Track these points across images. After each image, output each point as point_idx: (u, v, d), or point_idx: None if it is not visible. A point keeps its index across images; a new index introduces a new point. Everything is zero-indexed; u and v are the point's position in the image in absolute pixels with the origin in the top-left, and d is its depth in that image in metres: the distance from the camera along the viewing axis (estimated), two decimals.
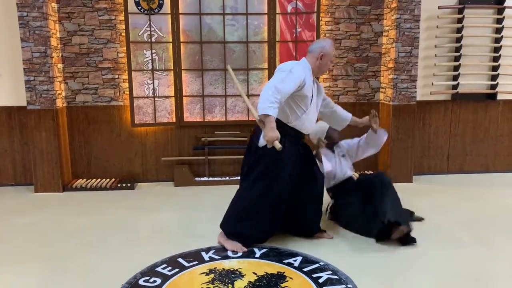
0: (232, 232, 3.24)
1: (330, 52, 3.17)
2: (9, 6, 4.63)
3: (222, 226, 3.33)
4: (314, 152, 3.62)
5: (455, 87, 5.13)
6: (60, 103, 4.77)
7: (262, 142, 3.04)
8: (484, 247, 3.26)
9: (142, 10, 4.78)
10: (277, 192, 3.15)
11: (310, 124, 3.25)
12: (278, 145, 2.82)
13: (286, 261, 3.02)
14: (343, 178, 3.78)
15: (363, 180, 3.78)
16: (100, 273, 2.90)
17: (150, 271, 2.89)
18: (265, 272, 2.85)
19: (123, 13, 4.76)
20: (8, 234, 3.61)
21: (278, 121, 2.96)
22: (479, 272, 2.89)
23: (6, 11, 4.67)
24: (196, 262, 3.00)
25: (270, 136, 2.81)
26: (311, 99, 3.16)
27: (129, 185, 4.86)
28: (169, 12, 4.82)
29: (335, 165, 3.75)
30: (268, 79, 5.01)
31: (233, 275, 2.82)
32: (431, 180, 5.11)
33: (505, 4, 5.03)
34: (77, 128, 4.98)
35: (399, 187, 4.75)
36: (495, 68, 5.16)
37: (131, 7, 4.75)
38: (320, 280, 2.76)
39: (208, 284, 2.70)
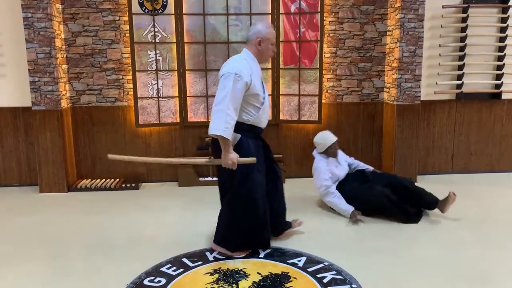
0: (239, 248, 3.15)
1: (268, 36, 2.99)
2: (14, 7, 4.65)
3: (224, 245, 3.16)
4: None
5: (459, 86, 5.12)
6: (64, 103, 4.79)
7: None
8: (490, 247, 3.25)
9: (146, 10, 4.79)
10: (260, 192, 3.07)
11: (266, 116, 3.16)
12: (249, 160, 2.88)
13: (290, 261, 3.02)
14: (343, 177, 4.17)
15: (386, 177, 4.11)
16: (105, 273, 2.91)
17: (155, 271, 2.90)
18: (269, 272, 2.86)
19: (127, 13, 4.77)
20: (13, 234, 3.63)
21: (236, 123, 2.89)
22: (485, 272, 2.88)
23: (11, 12, 4.69)
24: (200, 262, 3.01)
25: (230, 159, 2.84)
26: (263, 92, 3.08)
27: (133, 185, 4.87)
28: (173, 12, 4.83)
29: (337, 169, 4.14)
30: (272, 79, 5.02)
31: (238, 275, 2.83)
32: (435, 180, 5.09)
33: (510, 3, 5.01)
34: (82, 128, 5.00)
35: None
36: (499, 68, 5.14)
37: (135, 7, 4.76)
38: (325, 280, 2.76)
39: (212, 284, 2.71)
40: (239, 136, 2.99)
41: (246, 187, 3.00)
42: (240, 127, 2.97)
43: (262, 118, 3.11)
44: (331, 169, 4.06)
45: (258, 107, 3.05)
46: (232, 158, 2.84)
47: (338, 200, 3.91)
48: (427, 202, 3.85)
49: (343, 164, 4.22)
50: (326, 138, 4.11)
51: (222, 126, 2.78)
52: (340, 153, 4.27)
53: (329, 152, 4.11)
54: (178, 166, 5.01)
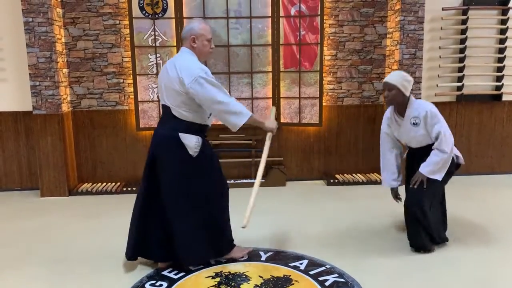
0: (227, 247, 3.06)
1: (202, 32, 2.82)
2: (14, 12, 4.67)
3: (199, 257, 2.96)
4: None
5: (460, 88, 5.12)
6: (65, 107, 4.80)
7: (194, 150, 2.81)
8: (491, 249, 3.25)
9: (147, 14, 4.80)
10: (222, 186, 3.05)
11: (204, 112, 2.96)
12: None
13: (292, 264, 3.02)
14: (410, 145, 3.33)
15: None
16: (107, 277, 2.91)
17: (157, 275, 2.89)
18: (271, 276, 2.85)
19: (128, 17, 4.78)
20: (15, 238, 3.63)
21: (194, 124, 2.81)
22: (486, 275, 2.87)
23: (12, 17, 4.71)
24: (202, 266, 3.00)
25: (273, 122, 3.06)
26: None
27: (134, 189, 4.86)
28: (173, 16, 4.84)
29: (399, 131, 3.28)
30: (273, 82, 5.03)
31: (239, 278, 2.82)
32: None
33: (510, 5, 5.02)
34: (83, 132, 5.01)
35: (404, 189, 4.76)
36: (500, 69, 5.14)
37: (136, 11, 4.77)
38: (327, 283, 2.75)
39: None
40: (200, 139, 2.85)
41: (203, 184, 2.92)
42: (199, 128, 2.85)
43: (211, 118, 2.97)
44: None
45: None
46: (273, 121, 3.06)
47: None
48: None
49: (414, 131, 3.23)
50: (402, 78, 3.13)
51: (243, 110, 2.81)
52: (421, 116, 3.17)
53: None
54: None
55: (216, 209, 2.97)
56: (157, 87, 4.92)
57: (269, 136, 3.14)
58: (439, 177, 3.10)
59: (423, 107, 3.10)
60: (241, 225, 2.87)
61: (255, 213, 4.14)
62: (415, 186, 3.13)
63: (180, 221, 2.83)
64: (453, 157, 3.17)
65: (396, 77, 3.11)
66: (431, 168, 3.08)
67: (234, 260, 3.09)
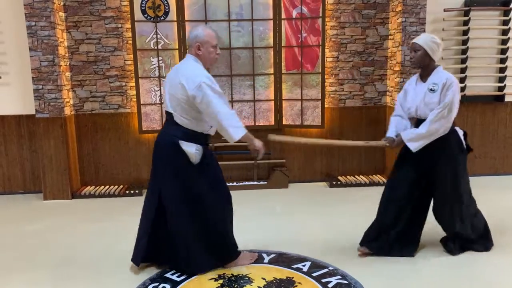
0: (234, 252, 3.05)
1: (207, 38, 2.79)
2: (17, 16, 4.69)
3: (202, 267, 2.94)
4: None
5: (462, 89, 5.11)
6: (68, 111, 4.82)
7: (195, 158, 2.82)
8: (495, 251, 3.23)
9: (149, 18, 4.82)
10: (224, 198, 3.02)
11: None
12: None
13: (295, 266, 3.01)
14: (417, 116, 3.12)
15: None
16: (110, 280, 2.91)
17: (159, 277, 2.90)
18: (274, 278, 2.85)
19: (130, 21, 4.80)
20: (18, 241, 3.64)
21: (195, 133, 2.82)
22: (490, 277, 2.86)
23: (14, 21, 4.73)
24: None
25: (259, 146, 2.82)
26: None
27: (137, 191, 4.88)
28: (175, 19, 4.85)
29: (411, 95, 3.14)
30: (275, 84, 5.04)
31: (242, 280, 2.82)
32: None
33: (511, 6, 5.01)
34: (85, 135, 5.02)
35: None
36: (502, 70, 5.13)
37: (138, 15, 4.79)
38: (330, 285, 2.75)
39: None
40: (200, 147, 2.84)
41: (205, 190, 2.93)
42: (197, 137, 2.84)
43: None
44: None
45: None
46: (261, 144, 2.85)
47: None
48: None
49: (429, 99, 3.07)
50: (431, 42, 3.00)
51: (238, 126, 2.76)
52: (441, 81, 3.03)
53: None
54: None
55: (218, 218, 2.93)
56: (159, 90, 4.94)
57: (366, 143, 3.25)
58: (412, 146, 2.99)
59: (446, 75, 2.99)
60: (270, 137, 3.04)
61: (257, 215, 4.15)
62: (387, 144, 3.13)
63: (181, 231, 2.85)
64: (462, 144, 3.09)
65: (424, 38, 3.01)
66: (412, 136, 3.01)
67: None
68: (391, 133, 3.21)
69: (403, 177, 3.15)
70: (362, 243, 3.21)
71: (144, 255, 2.96)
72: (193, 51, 2.84)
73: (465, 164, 3.13)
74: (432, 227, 3.78)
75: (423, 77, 3.09)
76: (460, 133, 3.12)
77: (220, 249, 2.96)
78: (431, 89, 3.00)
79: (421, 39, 3.02)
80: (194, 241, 2.87)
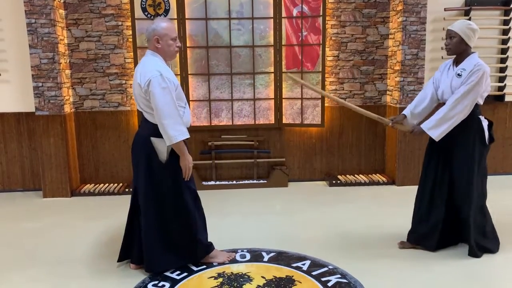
0: (202, 251, 3.03)
1: (165, 31, 2.74)
2: (17, 13, 4.68)
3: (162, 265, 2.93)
4: None
5: None
6: (68, 108, 4.81)
7: (164, 155, 2.81)
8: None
9: (149, 15, 4.81)
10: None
11: (189, 115, 2.96)
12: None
13: (294, 265, 3.01)
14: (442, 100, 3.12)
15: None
16: (109, 278, 2.91)
17: (159, 275, 2.89)
18: (273, 276, 2.85)
19: (130, 19, 4.79)
20: (17, 239, 3.64)
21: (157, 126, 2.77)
22: (489, 277, 2.87)
23: (14, 18, 4.72)
24: (204, 266, 3.00)
25: (189, 162, 2.79)
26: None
27: None
28: (176, 17, 4.84)
29: (440, 78, 3.14)
30: (275, 83, 5.03)
31: (242, 279, 2.82)
32: None
33: None
34: (85, 133, 5.02)
35: (407, 190, 4.76)
36: (502, 70, 5.13)
37: (138, 13, 4.78)
38: (329, 284, 2.75)
39: None
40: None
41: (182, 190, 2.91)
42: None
43: (188, 119, 2.92)
44: None
45: (183, 106, 2.85)
46: (190, 161, 2.81)
47: None
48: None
49: (455, 84, 3.04)
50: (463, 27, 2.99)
51: (177, 133, 2.68)
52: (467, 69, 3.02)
53: None
54: None
55: (187, 214, 2.89)
56: None
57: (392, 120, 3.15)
58: (434, 134, 2.94)
59: (476, 62, 2.94)
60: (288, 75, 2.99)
61: (257, 213, 4.15)
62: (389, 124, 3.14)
63: (147, 224, 2.85)
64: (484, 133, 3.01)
65: (459, 24, 2.97)
66: (431, 124, 2.95)
67: (236, 260, 3.09)
68: (406, 110, 3.21)
69: (429, 174, 3.16)
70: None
71: (123, 249, 3.03)
72: (151, 45, 2.79)
73: (484, 155, 3.06)
74: None
75: (457, 63, 3.05)
76: (485, 123, 3.04)
77: (191, 245, 2.94)
78: (458, 74, 2.97)
79: (456, 26, 2.97)
80: (160, 236, 2.86)
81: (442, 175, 3.12)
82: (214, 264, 3.04)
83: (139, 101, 2.80)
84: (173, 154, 2.80)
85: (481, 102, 3.02)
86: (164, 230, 2.87)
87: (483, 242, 3.13)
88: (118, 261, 3.05)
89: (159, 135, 2.74)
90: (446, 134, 2.97)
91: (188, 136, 2.76)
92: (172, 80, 2.73)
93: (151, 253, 2.87)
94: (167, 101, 2.66)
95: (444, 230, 3.15)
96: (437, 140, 2.99)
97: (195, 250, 2.97)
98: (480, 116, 3.03)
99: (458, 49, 3.00)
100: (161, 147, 2.78)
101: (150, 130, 2.78)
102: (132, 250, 3.00)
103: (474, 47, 5.13)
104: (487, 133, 3.03)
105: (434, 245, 3.18)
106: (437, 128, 2.96)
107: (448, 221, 3.15)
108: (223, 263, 3.05)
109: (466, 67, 2.95)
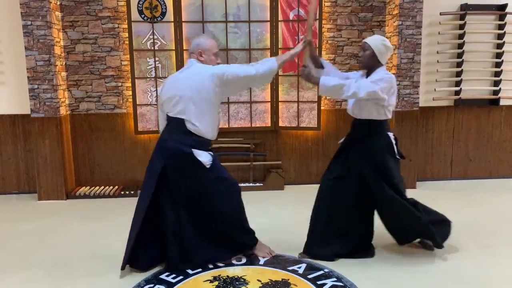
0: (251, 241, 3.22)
1: (208, 47, 2.98)
2: (13, 15, 4.67)
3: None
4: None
5: (457, 93, 5.14)
6: (63, 111, 4.79)
7: (208, 164, 2.92)
8: (488, 253, 3.25)
9: (145, 18, 4.81)
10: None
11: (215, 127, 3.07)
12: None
13: (290, 268, 3.01)
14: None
15: None
16: (105, 281, 2.90)
17: (154, 278, 2.89)
18: (269, 279, 2.85)
19: (126, 21, 4.79)
20: (12, 241, 3.62)
21: (204, 140, 2.95)
22: (484, 279, 2.87)
23: (10, 20, 4.71)
24: (200, 270, 2.99)
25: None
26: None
27: (132, 192, 4.86)
28: (172, 20, 4.84)
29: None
30: (271, 86, 5.05)
31: (238, 282, 2.82)
32: (434, 186, 5.10)
33: (507, 10, 5.04)
34: (81, 135, 5.00)
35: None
36: (497, 74, 5.16)
37: (134, 15, 4.78)
38: (325, 287, 2.75)
39: None
40: (210, 154, 2.96)
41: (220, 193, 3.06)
42: (207, 144, 3.00)
43: (214, 129, 3.04)
44: None
45: (212, 116, 2.96)
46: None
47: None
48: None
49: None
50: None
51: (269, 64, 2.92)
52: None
53: None
54: None
55: (237, 210, 3.09)
56: (155, 90, 4.92)
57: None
58: (323, 85, 2.88)
59: (386, 72, 2.97)
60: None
61: (252, 216, 4.14)
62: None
63: (201, 230, 2.98)
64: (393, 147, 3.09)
65: (374, 39, 2.98)
66: (329, 83, 2.88)
67: (232, 263, 3.08)
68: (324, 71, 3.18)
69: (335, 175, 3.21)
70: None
71: (131, 256, 2.97)
72: (195, 56, 2.98)
73: (397, 167, 3.13)
74: None
75: (367, 77, 3.05)
76: (392, 138, 3.12)
77: (236, 240, 3.11)
78: None
79: (371, 39, 3.00)
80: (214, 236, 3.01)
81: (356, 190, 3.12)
82: (210, 266, 3.03)
83: (189, 106, 2.84)
84: (213, 160, 2.95)
85: (389, 115, 3.06)
86: (217, 228, 3.01)
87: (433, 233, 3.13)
88: (123, 269, 2.98)
89: (199, 147, 2.90)
90: (357, 150, 3.06)
91: (276, 62, 2.94)
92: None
93: (196, 249, 2.97)
94: (239, 66, 2.95)
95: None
96: (321, 90, 2.92)
97: (243, 242, 3.15)
98: (389, 132, 3.10)
99: (369, 63, 3.00)
100: (205, 158, 2.90)
101: (191, 142, 2.88)
102: (139, 258, 2.99)
103: (469, 51, 5.18)
104: (396, 148, 3.10)
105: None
106: (327, 91, 2.92)
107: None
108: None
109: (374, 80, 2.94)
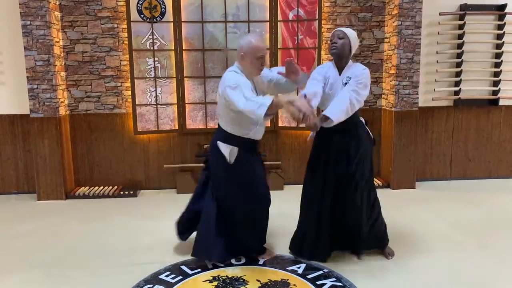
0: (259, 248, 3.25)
1: (250, 50, 2.83)
2: (12, 15, 4.66)
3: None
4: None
5: (457, 93, 5.14)
6: (63, 111, 4.79)
7: (230, 159, 2.97)
8: (487, 253, 3.25)
9: (145, 18, 4.80)
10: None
11: (263, 130, 3.08)
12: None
13: (289, 268, 3.01)
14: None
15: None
16: (104, 281, 2.90)
17: (154, 279, 2.88)
18: (268, 280, 2.85)
19: (126, 21, 4.78)
20: (12, 241, 3.61)
21: (234, 136, 2.96)
22: (483, 278, 2.88)
23: (9, 20, 4.70)
24: (199, 270, 3.00)
25: (298, 106, 2.64)
26: None
27: (131, 192, 4.86)
28: (172, 20, 4.84)
29: (329, 85, 3.11)
30: None
31: (237, 282, 2.82)
32: (434, 186, 5.10)
33: (506, 10, 5.04)
34: (80, 136, 5.00)
35: (402, 193, 4.78)
36: (496, 74, 5.16)
37: (134, 15, 4.77)
38: (324, 287, 2.75)
39: None
40: (236, 149, 2.96)
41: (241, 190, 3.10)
42: (238, 140, 2.97)
43: (259, 131, 3.04)
44: None
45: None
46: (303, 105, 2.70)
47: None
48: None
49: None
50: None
51: (256, 107, 2.65)
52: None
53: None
54: (177, 173, 5.01)
55: (243, 219, 3.07)
56: (154, 90, 4.92)
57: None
58: (334, 116, 2.85)
59: (358, 68, 2.99)
60: None
61: None
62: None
63: (207, 224, 3.06)
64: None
65: (350, 30, 3.02)
66: (337, 114, 2.85)
67: (231, 264, 3.08)
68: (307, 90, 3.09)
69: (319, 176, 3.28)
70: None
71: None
72: (238, 59, 2.95)
73: (371, 156, 3.21)
74: (428, 231, 3.79)
75: (339, 69, 3.05)
76: (364, 123, 3.18)
77: (241, 247, 3.15)
78: (344, 83, 2.99)
79: (347, 30, 3.02)
80: (215, 236, 3.03)
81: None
82: (209, 266, 3.03)
83: (219, 107, 3.01)
84: (239, 159, 2.96)
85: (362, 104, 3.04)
86: (222, 229, 3.06)
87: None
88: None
89: (226, 141, 2.95)
90: (343, 138, 3.05)
91: (267, 106, 2.62)
92: (246, 83, 2.85)
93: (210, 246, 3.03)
94: (237, 94, 2.74)
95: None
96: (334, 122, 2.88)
97: (247, 251, 3.18)
98: (361, 118, 3.17)
99: (343, 51, 2.98)
100: (225, 151, 2.95)
101: (220, 136, 3.00)
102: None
103: (468, 51, 5.18)
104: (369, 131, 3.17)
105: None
106: (335, 114, 2.87)
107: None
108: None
109: (351, 75, 2.97)
